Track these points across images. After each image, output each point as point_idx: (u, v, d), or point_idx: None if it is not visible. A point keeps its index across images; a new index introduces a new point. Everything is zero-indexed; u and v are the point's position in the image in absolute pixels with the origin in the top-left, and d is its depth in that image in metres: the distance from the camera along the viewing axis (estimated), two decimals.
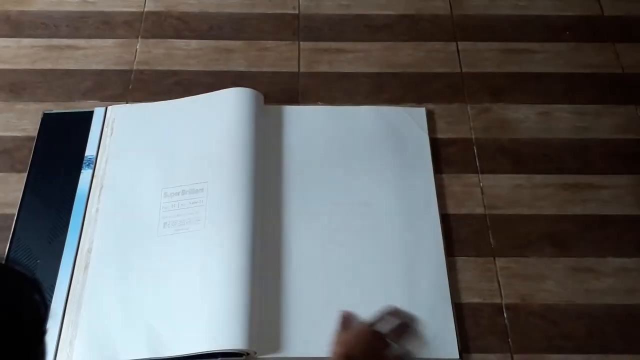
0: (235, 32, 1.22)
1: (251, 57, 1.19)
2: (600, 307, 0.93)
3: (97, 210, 1.00)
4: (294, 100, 1.13)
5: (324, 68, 1.17)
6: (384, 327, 0.81)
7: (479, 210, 1.01)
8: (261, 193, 0.97)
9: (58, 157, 1.06)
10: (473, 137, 1.09)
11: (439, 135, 1.09)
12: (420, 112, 1.11)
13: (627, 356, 0.89)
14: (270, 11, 1.26)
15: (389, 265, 0.95)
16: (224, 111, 1.05)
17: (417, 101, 1.13)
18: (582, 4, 1.27)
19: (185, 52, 1.19)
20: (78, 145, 1.06)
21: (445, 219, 1.00)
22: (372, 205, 1.00)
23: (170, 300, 0.89)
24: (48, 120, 1.10)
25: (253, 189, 0.96)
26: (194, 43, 1.21)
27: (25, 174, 1.04)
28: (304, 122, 1.09)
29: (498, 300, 0.93)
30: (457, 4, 1.27)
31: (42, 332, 0.45)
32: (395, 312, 0.84)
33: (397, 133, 1.08)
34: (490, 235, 0.99)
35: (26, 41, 1.20)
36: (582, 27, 1.24)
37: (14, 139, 1.08)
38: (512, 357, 0.89)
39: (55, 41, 1.20)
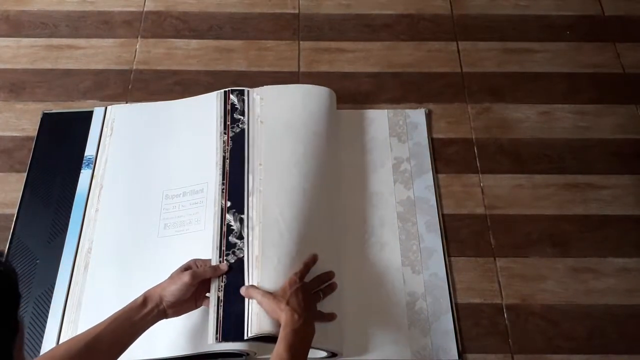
0: (236, 32, 1.22)
1: (251, 57, 1.19)
2: (600, 307, 0.93)
3: (96, 210, 1.00)
4: None
5: (324, 68, 1.17)
6: (309, 279, 0.85)
7: (480, 211, 1.01)
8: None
9: (57, 157, 1.05)
10: (473, 137, 1.09)
11: (439, 135, 1.09)
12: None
13: (628, 357, 0.89)
14: (270, 11, 1.25)
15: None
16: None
17: (417, 101, 1.13)
18: (582, 4, 1.27)
19: (185, 52, 1.19)
20: (77, 145, 1.06)
21: (446, 219, 1.00)
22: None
23: None
24: (47, 120, 1.09)
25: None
26: (194, 43, 1.21)
27: (25, 174, 1.04)
28: None
29: (498, 301, 0.93)
30: (458, 3, 1.27)
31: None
32: (313, 260, 0.86)
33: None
34: (491, 236, 0.99)
35: (26, 41, 1.20)
36: (583, 27, 1.23)
37: (13, 138, 1.08)
38: (512, 358, 0.89)
39: (54, 41, 1.20)
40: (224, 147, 0.99)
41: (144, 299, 0.79)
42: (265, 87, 1.06)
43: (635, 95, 1.14)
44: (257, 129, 1.00)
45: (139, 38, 1.21)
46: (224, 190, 0.95)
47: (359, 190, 1.02)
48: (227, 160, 0.98)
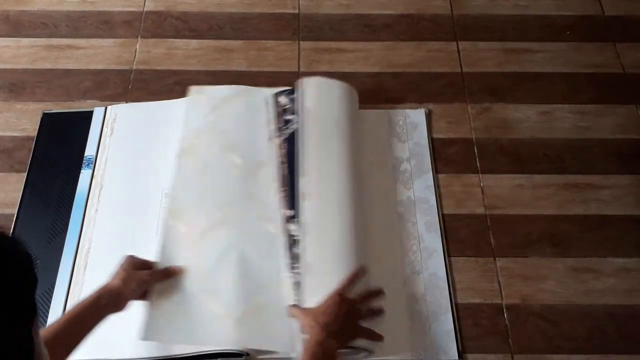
0: (235, 32, 1.22)
1: (251, 57, 1.19)
2: (600, 307, 0.93)
3: (96, 210, 1.00)
4: None
5: (324, 68, 1.17)
6: (353, 292, 0.84)
7: (480, 211, 1.01)
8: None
9: (57, 157, 1.05)
10: (473, 137, 1.09)
11: (440, 135, 1.09)
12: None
13: (628, 357, 0.89)
14: (270, 11, 1.25)
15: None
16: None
17: (417, 101, 1.13)
18: (582, 4, 1.27)
19: (185, 52, 1.19)
20: (78, 145, 1.06)
21: (446, 219, 1.00)
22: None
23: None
24: (47, 120, 1.09)
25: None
26: (193, 43, 1.21)
27: (25, 174, 1.04)
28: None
29: (498, 301, 0.93)
30: (458, 3, 1.27)
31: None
32: (360, 273, 0.86)
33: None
34: (491, 236, 0.99)
35: (26, 41, 1.20)
36: (583, 27, 1.23)
37: (13, 138, 1.08)
38: (512, 358, 0.88)
39: (54, 41, 1.20)
40: (279, 151, 0.98)
41: (98, 297, 0.77)
42: (305, 78, 1.04)
43: (635, 95, 1.14)
44: (306, 127, 0.98)
45: (139, 38, 1.21)
46: (285, 198, 0.94)
47: (359, 190, 1.01)
48: (284, 165, 0.97)
